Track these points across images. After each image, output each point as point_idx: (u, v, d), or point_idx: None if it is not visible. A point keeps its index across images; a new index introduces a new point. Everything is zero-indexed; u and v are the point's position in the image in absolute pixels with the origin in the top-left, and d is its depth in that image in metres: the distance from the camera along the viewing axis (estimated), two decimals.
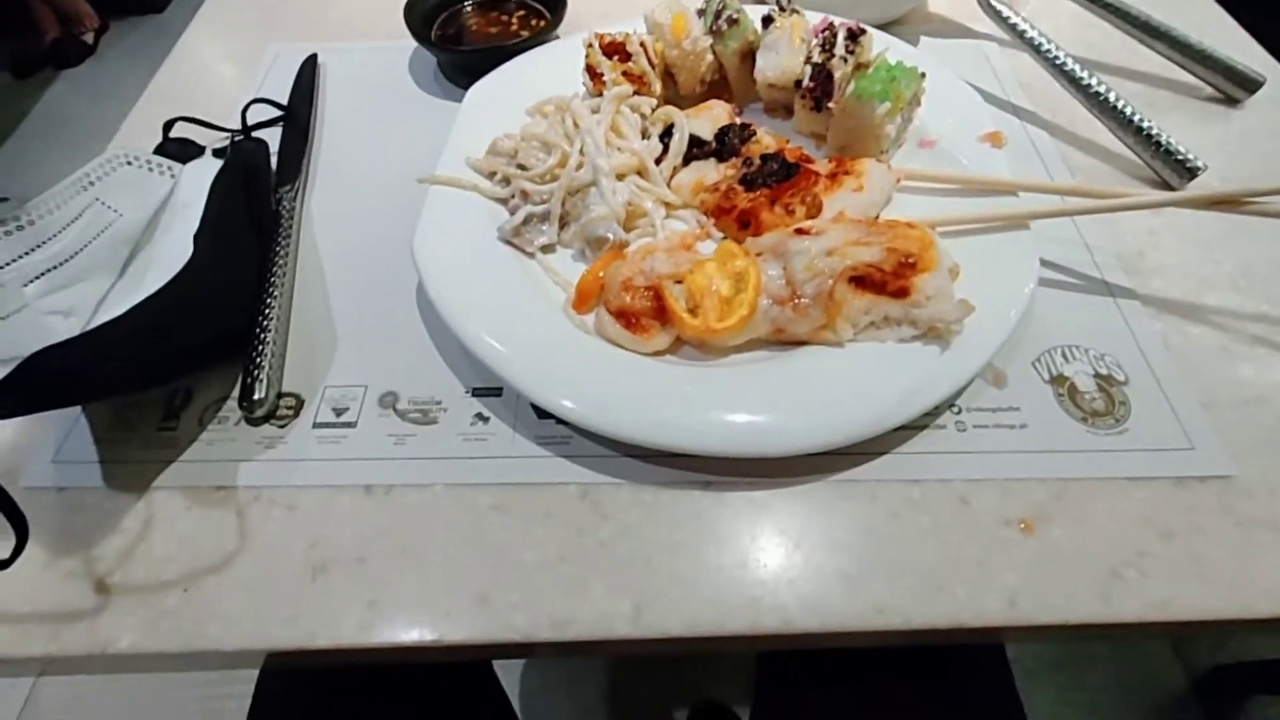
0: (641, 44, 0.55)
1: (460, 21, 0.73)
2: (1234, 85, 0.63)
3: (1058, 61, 0.60)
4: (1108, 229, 0.54)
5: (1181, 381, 0.46)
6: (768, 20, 0.57)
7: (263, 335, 0.47)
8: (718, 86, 0.62)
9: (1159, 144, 0.56)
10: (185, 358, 0.46)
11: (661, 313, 0.45)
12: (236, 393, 0.46)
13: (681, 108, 0.61)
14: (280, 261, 0.53)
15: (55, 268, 0.49)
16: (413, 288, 0.52)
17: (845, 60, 0.53)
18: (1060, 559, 0.39)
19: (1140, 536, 0.40)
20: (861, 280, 0.44)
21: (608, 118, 0.53)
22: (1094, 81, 0.58)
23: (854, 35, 0.54)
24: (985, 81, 0.68)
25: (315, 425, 0.46)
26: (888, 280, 0.44)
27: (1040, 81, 0.65)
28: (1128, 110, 0.57)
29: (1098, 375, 0.47)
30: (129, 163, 0.55)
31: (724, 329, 0.44)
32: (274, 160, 0.61)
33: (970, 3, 0.71)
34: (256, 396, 0.45)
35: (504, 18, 0.73)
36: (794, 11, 0.57)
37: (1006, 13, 0.63)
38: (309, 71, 0.70)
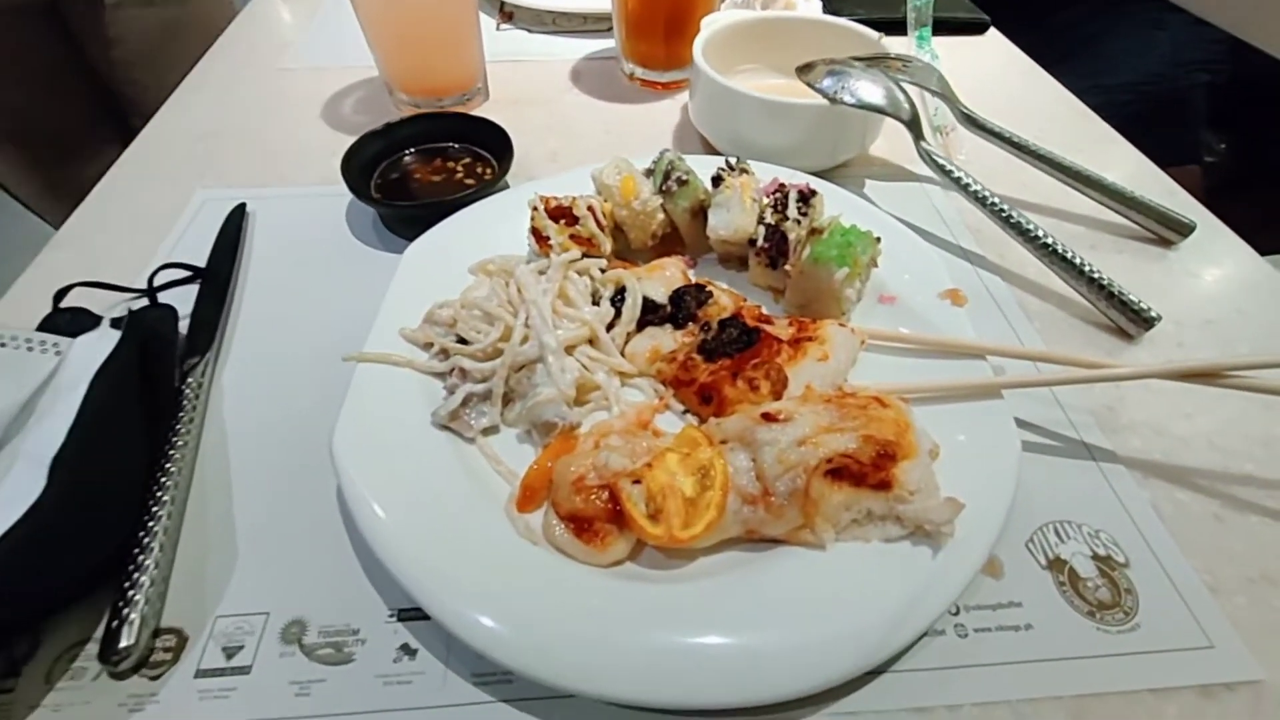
0: (589, 207, 0.52)
1: (402, 169, 0.70)
2: (1168, 229, 0.65)
3: (1001, 212, 0.60)
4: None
5: (1182, 561, 0.43)
6: (717, 179, 0.56)
7: (141, 558, 0.40)
8: (669, 239, 0.60)
9: (1112, 294, 0.56)
10: (42, 601, 0.38)
11: (618, 515, 0.40)
12: (100, 633, 0.38)
13: (633, 262, 0.58)
14: (176, 456, 0.45)
15: None
16: (334, 484, 0.45)
17: (798, 222, 0.52)
18: None
19: None
20: (838, 472, 0.40)
21: (555, 285, 0.49)
22: (1040, 231, 0.59)
23: (805, 197, 0.53)
24: (933, 225, 0.68)
25: (199, 673, 0.38)
26: (867, 472, 0.39)
27: (987, 226, 0.65)
28: (1077, 261, 0.57)
29: (1096, 556, 0.43)
30: (2, 345, 0.48)
31: (689, 537, 0.38)
32: (185, 326, 0.55)
33: (908, 146, 0.73)
34: (124, 644, 0.36)
35: (449, 165, 0.71)
36: (742, 170, 0.57)
37: (944, 162, 0.64)
38: (235, 223, 0.65)
